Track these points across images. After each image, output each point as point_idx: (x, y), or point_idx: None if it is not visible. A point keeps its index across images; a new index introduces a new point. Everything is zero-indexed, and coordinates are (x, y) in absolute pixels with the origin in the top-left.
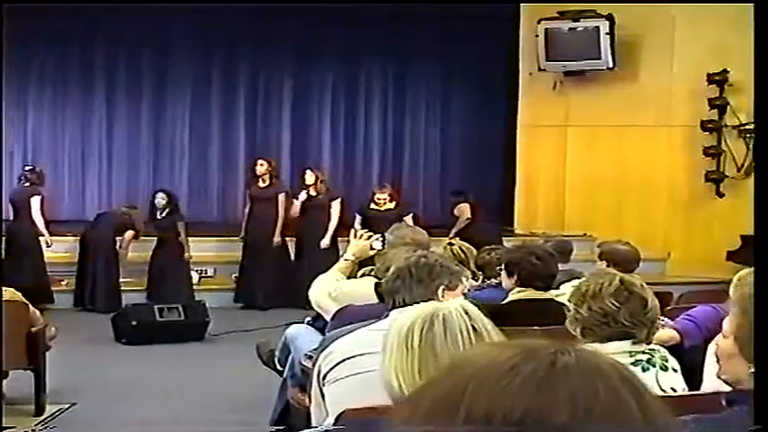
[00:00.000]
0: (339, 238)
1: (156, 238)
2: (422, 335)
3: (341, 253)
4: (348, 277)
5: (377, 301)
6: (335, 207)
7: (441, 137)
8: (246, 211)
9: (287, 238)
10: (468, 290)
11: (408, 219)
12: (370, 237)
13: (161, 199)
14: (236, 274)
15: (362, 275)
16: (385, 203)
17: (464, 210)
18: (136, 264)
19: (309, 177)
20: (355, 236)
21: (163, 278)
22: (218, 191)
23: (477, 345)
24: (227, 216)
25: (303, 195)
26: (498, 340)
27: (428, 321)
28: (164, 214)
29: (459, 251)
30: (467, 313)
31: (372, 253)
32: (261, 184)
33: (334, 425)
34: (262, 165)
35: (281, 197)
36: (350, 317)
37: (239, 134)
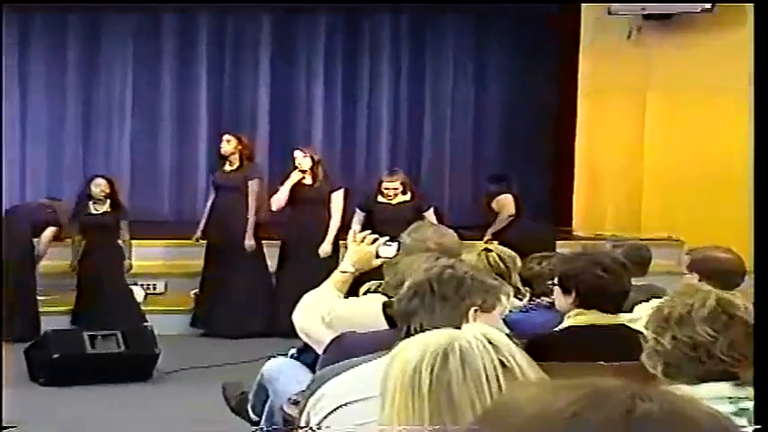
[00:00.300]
0: (341, 242)
1: (85, 241)
2: (433, 374)
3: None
4: (346, 295)
5: (385, 327)
6: (337, 200)
7: (473, 107)
8: (209, 204)
9: (264, 242)
10: (510, 311)
11: (430, 215)
12: (375, 240)
13: (98, 188)
14: (196, 290)
15: (366, 293)
16: (396, 195)
17: (506, 203)
18: (58, 275)
19: (302, 160)
20: (354, 239)
21: (96, 295)
22: (171, 177)
23: (520, 386)
24: (184, 211)
25: (293, 179)
26: (537, 379)
27: (441, 355)
28: (101, 209)
29: (498, 260)
30: (491, 343)
31: (379, 262)
32: (227, 167)
33: None
34: (228, 141)
35: (253, 184)
36: (349, 349)
37: (199, 100)
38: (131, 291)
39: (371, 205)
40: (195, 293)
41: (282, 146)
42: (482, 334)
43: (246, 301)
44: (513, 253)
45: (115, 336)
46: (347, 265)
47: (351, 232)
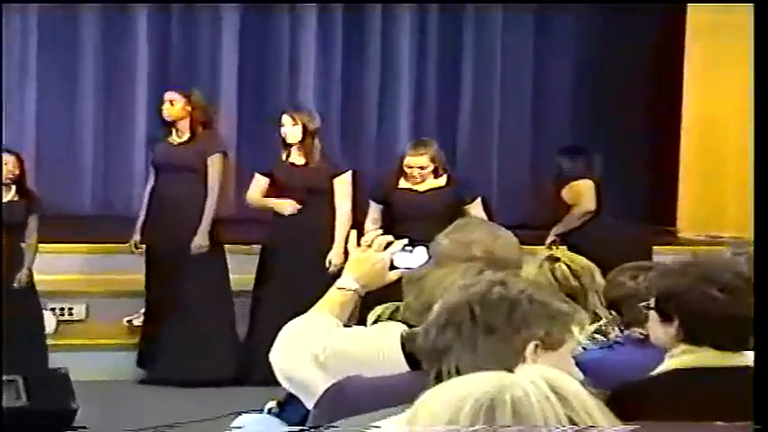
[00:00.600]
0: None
1: None
2: None
3: None
4: (347, 324)
5: (405, 368)
6: (343, 188)
7: (532, 61)
8: (147, 191)
9: (228, 246)
10: (585, 348)
11: (475, 208)
12: (389, 244)
13: (3, 168)
14: (131, 317)
15: (377, 320)
16: (424, 177)
17: (583, 192)
18: None
19: (291, 129)
20: (359, 243)
21: None
22: (96, 158)
23: None
24: (113, 204)
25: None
26: None
27: (485, 410)
28: (6, 197)
29: (569, 273)
30: (556, 393)
31: (395, 276)
32: (174, 138)
33: None
34: (173, 102)
35: (214, 161)
36: (352, 401)
37: (135, 46)
38: (41, 316)
39: (389, 194)
40: (129, 322)
41: (256, 112)
42: (544, 380)
43: (209, 332)
44: (589, 263)
45: (15, 383)
46: (348, 279)
47: (352, 235)
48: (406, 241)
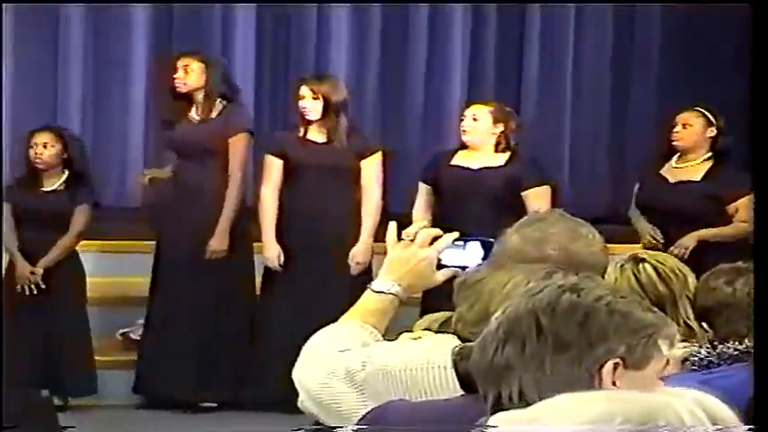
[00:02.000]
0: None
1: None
2: None
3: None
4: (384, 336)
5: (456, 391)
6: (372, 172)
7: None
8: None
9: (256, 245)
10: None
11: (538, 197)
12: (436, 239)
13: (44, 149)
14: (127, 329)
15: (423, 333)
16: (476, 139)
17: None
18: None
19: (309, 102)
20: (399, 237)
21: None
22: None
23: None
24: (103, 192)
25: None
26: None
27: None
28: (52, 185)
29: (656, 277)
30: (714, 424)
31: (442, 278)
32: (193, 115)
33: None
34: (188, 69)
35: (235, 142)
36: (395, 430)
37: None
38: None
39: (441, 172)
40: (124, 335)
41: (278, 82)
42: (700, 406)
43: (219, 347)
44: (680, 265)
45: None
46: (387, 281)
47: (391, 226)
48: (456, 235)
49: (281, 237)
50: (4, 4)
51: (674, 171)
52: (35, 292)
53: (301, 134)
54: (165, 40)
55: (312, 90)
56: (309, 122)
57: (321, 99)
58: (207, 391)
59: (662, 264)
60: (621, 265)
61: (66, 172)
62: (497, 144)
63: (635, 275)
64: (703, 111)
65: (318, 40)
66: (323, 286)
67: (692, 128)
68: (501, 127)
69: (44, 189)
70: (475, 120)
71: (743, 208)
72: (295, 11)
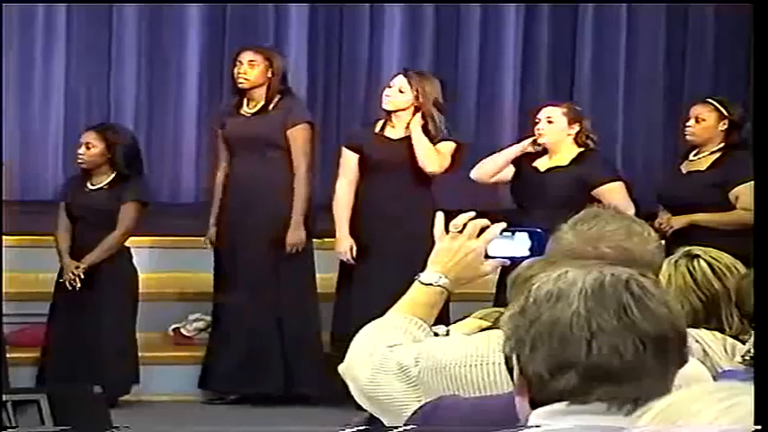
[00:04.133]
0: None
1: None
2: None
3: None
4: (438, 330)
5: (509, 388)
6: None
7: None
8: (220, 176)
9: (316, 240)
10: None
11: (613, 193)
12: (483, 230)
13: (87, 149)
14: (179, 325)
15: (481, 329)
16: (551, 141)
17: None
18: None
19: (394, 94)
20: (446, 230)
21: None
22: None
23: None
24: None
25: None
26: None
27: None
28: (99, 183)
29: (711, 274)
30: None
31: (490, 269)
32: (246, 109)
33: None
34: (253, 65)
35: (296, 134)
36: (448, 426)
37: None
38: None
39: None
40: (176, 330)
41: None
42: None
43: (286, 344)
44: (735, 261)
45: (36, 404)
46: (434, 273)
47: (439, 217)
48: (503, 225)
49: (354, 232)
50: (4, 5)
51: (688, 164)
52: (77, 287)
53: (378, 129)
54: (218, 38)
55: (408, 76)
56: (388, 114)
57: (411, 83)
58: (278, 384)
59: (716, 260)
60: (675, 261)
61: (114, 170)
62: (576, 137)
63: (690, 272)
64: (715, 103)
65: (371, 39)
66: (392, 284)
67: (705, 122)
68: (576, 127)
69: (91, 187)
70: (549, 122)
71: (743, 194)
72: (348, 9)
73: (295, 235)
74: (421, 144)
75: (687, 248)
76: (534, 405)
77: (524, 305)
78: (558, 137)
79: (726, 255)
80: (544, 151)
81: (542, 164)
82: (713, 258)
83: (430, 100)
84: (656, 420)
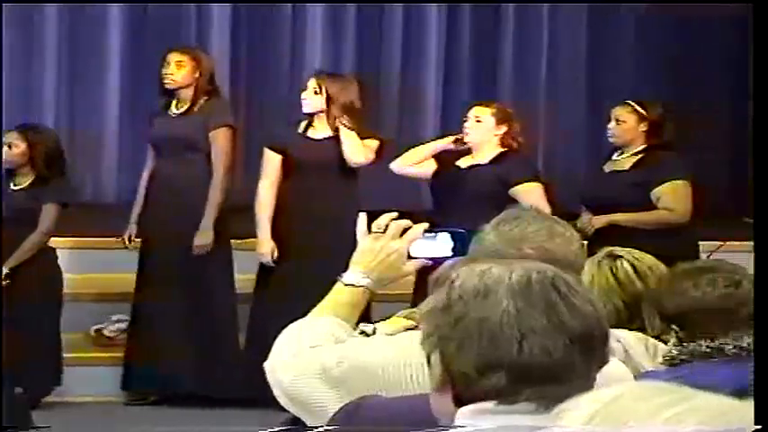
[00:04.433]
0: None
1: None
2: None
3: None
4: (366, 328)
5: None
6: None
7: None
8: (145, 173)
9: (235, 242)
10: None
11: (532, 194)
12: (406, 230)
13: (9, 149)
14: (101, 325)
15: (406, 328)
16: (476, 139)
17: (681, 195)
18: None
19: (310, 96)
20: (369, 231)
21: None
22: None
23: None
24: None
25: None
26: None
27: None
28: (21, 184)
29: (633, 274)
30: None
31: (412, 269)
32: (173, 109)
33: None
34: (180, 65)
35: (217, 136)
36: (372, 425)
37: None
38: None
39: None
40: (98, 331)
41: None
42: None
43: (203, 344)
44: (657, 263)
45: None
46: (356, 274)
47: (362, 217)
48: (426, 225)
49: (276, 233)
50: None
51: (611, 164)
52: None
53: (301, 130)
54: (139, 37)
55: (319, 84)
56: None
57: (322, 86)
58: (197, 386)
59: (639, 261)
60: (599, 262)
61: (35, 171)
62: (503, 139)
63: (612, 272)
64: (635, 105)
65: (293, 40)
66: (317, 285)
67: (626, 123)
68: (504, 128)
69: (13, 188)
70: (477, 121)
71: (665, 195)
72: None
73: (201, 237)
74: (348, 137)
75: (610, 249)
76: (459, 402)
77: (448, 301)
78: (484, 137)
79: (648, 255)
80: (468, 151)
81: (464, 161)
82: (636, 259)
83: (342, 100)
84: (595, 421)
